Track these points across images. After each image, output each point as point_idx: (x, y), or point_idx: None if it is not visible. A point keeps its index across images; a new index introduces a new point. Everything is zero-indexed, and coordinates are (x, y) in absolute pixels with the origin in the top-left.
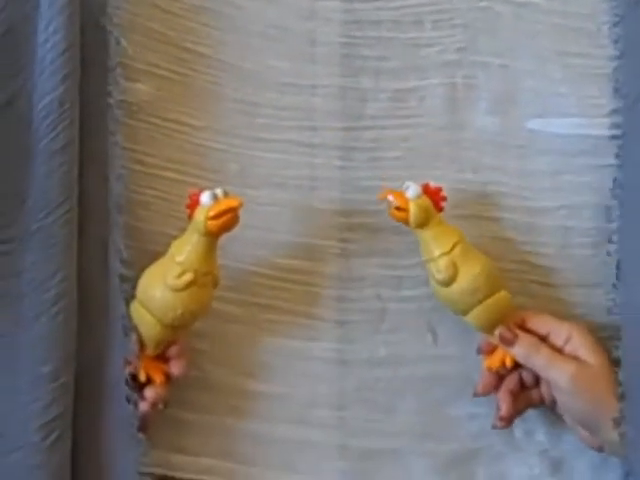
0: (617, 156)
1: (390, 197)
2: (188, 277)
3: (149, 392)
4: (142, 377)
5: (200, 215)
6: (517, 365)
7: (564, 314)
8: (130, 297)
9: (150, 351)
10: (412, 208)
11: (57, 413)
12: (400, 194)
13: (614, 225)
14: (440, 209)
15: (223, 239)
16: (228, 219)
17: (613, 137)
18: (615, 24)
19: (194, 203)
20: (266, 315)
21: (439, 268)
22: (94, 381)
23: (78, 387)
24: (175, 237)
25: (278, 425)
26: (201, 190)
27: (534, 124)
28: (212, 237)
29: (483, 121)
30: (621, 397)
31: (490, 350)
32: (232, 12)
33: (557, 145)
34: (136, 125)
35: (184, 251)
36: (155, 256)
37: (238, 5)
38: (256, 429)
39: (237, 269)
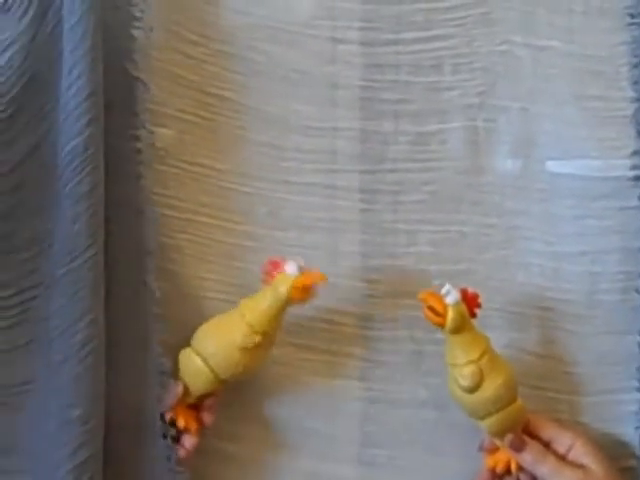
0: None
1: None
2: (258, 339)
3: (188, 441)
4: (181, 424)
5: (284, 285)
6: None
7: (592, 362)
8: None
9: (191, 399)
10: (450, 314)
11: (87, 456)
12: (439, 298)
13: None
14: (474, 315)
15: (256, 280)
16: (310, 292)
17: (635, 178)
18: (635, 66)
19: (274, 269)
20: (300, 354)
21: (464, 375)
22: (131, 421)
23: (114, 428)
24: (209, 280)
25: (307, 460)
26: (282, 258)
27: (555, 167)
28: (289, 305)
29: (504, 164)
30: None
31: (493, 449)
32: (255, 57)
33: (578, 188)
34: (164, 170)
35: (258, 313)
36: (189, 299)
37: (260, 50)
38: (287, 462)
39: None
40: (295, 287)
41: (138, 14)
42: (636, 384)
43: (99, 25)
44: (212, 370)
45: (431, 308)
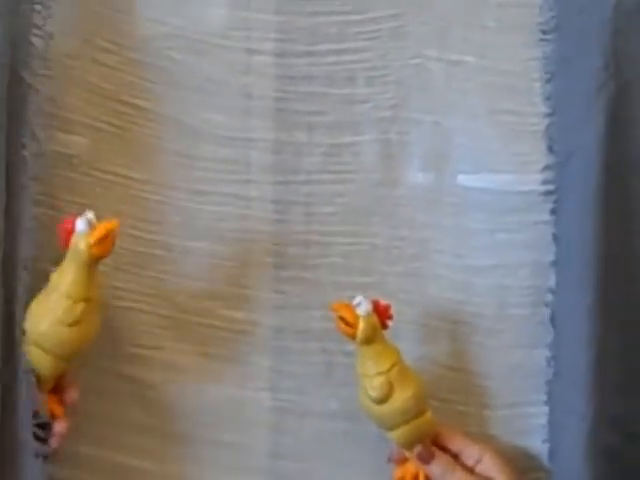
0: (552, 212)
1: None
2: (80, 309)
3: (59, 426)
4: (47, 412)
5: (80, 243)
6: None
7: (502, 376)
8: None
9: (47, 387)
10: (361, 325)
11: None
12: (350, 309)
13: (551, 283)
14: (385, 327)
15: (168, 289)
16: (109, 243)
17: (546, 193)
18: (547, 81)
19: (68, 231)
20: (210, 364)
21: (374, 386)
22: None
23: None
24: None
25: (217, 472)
26: (72, 217)
27: (466, 180)
28: (94, 263)
29: (416, 177)
30: None
31: (402, 460)
32: (169, 66)
33: (490, 202)
34: (76, 178)
35: (69, 282)
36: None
37: (175, 59)
38: (196, 475)
39: (182, 319)
40: (92, 245)
41: (39, 22)
42: (544, 397)
43: (5, 32)
44: (48, 352)
45: (342, 318)
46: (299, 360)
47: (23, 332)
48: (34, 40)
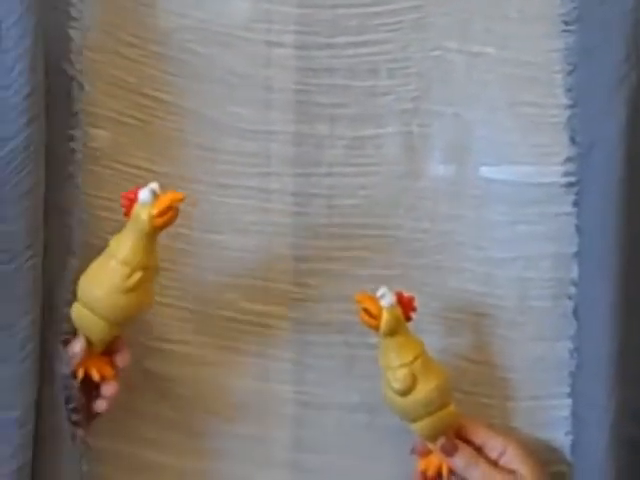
0: (575, 204)
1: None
2: (137, 276)
3: (108, 389)
4: (96, 375)
5: (142, 213)
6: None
7: (524, 368)
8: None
9: (97, 350)
10: (385, 317)
11: (23, 462)
12: (374, 300)
13: (573, 275)
14: (409, 319)
15: (190, 283)
16: (172, 215)
17: (568, 185)
18: (568, 73)
19: (131, 201)
20: (233, 357)
21: (397, 377)
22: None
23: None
24: None
25: (239, 465)
26: (137, 188)
27: (488, 172)
28: (155, 234)
29: (438, 170)
30: None
31: (425, 452)
32: (191, 59)
33: (511, 194)
34: (99, 171)
35: (127, 250)
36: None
37: (197, 52)
38: (219, 469)
39: (204, 312)
40: (154, 215)
41: (75, 14)
42: (567, 390)
43: (39, 24)
44: (104, 318)
45: (366, 310)
46: (321, 353)
47: (74, 297)
48: (72, 33)
